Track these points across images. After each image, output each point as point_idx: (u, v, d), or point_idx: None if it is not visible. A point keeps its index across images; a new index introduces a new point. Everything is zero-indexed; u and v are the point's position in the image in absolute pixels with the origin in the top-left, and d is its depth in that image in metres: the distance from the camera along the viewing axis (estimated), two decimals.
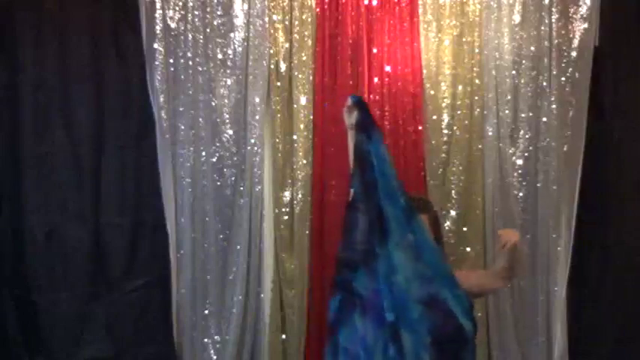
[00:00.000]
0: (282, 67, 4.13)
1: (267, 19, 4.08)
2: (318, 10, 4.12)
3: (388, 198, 2.63)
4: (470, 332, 2.61)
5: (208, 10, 4.08)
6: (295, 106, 4.11)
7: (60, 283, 3.98)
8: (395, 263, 2.59)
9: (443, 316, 2.58)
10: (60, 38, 4.01)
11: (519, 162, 4.11)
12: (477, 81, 4.12)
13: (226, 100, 4.10)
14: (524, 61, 4.10)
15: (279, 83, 4.12)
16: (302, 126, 4.11)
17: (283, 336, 4.11)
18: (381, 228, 2.61)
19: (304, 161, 4.10)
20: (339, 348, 2.61)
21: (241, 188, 4.08)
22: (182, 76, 4.07)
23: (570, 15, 4.08)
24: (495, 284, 2.87)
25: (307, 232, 4.09)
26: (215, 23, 4.09)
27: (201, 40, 4.08)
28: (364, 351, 2.56)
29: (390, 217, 2.61)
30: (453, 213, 4.09)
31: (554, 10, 4.07)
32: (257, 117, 4.07)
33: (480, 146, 4.12)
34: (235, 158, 4.10)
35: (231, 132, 4.10)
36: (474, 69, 4.13)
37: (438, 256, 2.67)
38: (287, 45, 4.13)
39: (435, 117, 4.12)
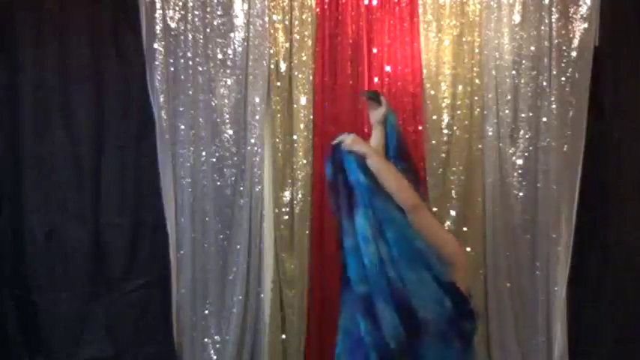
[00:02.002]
0: (282, 67, 4.13)
1: (267, 19, 4.08)
2: (318, 10, 4.12)
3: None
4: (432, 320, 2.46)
5: (208, 10, 4.08)
6: (295, 106, 4.11)
7: (60, 283, 3.99)
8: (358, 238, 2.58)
9: (403, 295, 2.48)
10: (60, 38, 4.01)
11: (519, 162, 4.11)
12: (477, 81, 4.13)
13: (226, 100, 4.10)
14: (524, 61, 4.10)
15: (279, 83, 4.12)
16: (302, 126, 4.11)
17: (283, 336, 4.11)
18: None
19: (304, 161, 4.10)
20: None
21: (241, 188, 4.08)
22: (182, 76, 4.07)
23: (570, 15, 4.08)
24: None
25: (307, 232, 4.09)
26: (215, 23, 4.09)
27: (201, 40, 4.07)
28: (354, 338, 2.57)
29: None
30: (452, 213, 4.09)
31: (554, 10, 4.07)
32: (257, 117, 4.07)
33: (480, 146, 4.12)
34: (235, 158, 4.10)
35: (231, 132, 4.10)
36: (474, 69, 4.13)
37: (403, 230, 2.56)
38: (287, 45, 4.13)
39: (435, 117, 4.12)
